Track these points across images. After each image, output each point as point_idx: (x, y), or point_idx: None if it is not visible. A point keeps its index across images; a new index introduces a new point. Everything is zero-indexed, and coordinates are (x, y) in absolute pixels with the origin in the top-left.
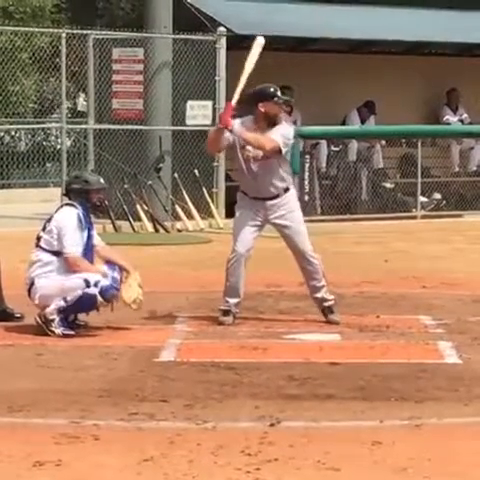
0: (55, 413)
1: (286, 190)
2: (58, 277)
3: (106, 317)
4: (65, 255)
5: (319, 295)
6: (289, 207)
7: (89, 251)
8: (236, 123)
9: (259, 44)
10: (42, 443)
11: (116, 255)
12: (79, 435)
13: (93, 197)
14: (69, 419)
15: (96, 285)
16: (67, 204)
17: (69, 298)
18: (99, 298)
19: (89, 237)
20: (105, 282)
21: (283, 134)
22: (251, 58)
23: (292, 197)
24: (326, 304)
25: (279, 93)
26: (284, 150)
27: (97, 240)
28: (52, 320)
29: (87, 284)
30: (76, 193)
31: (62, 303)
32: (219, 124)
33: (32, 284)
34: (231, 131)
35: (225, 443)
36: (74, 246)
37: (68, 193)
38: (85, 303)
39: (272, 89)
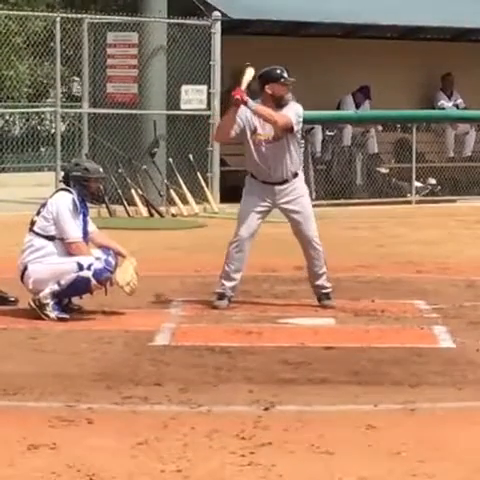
0: (49, 397)
1: (295, 175)
2: (51, 261)
3: (100, 301)
4: (68, 241)
5: (319, 282)
6: (298, 192)
7: (85, 236)
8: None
9: (250, 73)
10: (36, 426)
11: (111, 240)
12: (73, 418)
13: (92, 186)
14: (63, 402)
15: (89, 268)
16: (62, 189)
17: (63, 282)
18: (93, 281)
19: (84, 223)
20: (98, 265)
21: (295, 112)
22: (244, 80)
23: (301, 182)
24: (324, 291)
25: (285, 74)
26: (296, 128)
27: (92, 226)
28: (46, 304)
29: (80, 267)
30: (75, 180)
31: (56, 287)
32: (234, 95)
33: (25, 269)
34: (246, 103)
35: (219, 427)
36: (76, 232)
37: (67, 180)
38: (79, 286)
39: (278, 70)
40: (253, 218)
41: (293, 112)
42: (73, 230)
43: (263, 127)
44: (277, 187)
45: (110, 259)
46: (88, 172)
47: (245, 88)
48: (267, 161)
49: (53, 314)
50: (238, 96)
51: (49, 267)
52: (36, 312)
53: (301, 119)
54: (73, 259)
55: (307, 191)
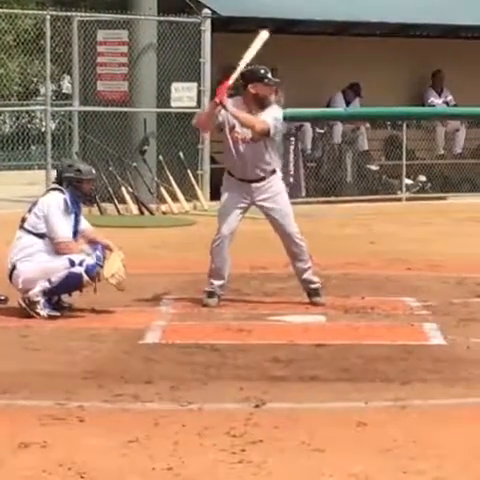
0: (40, 395)
1: (272, 172)
2: (40, 260)
3: (91, 299)
4: (57, 241)
5: (305, 276)
6: (275, 189)
7: (75, 235)
8: (229, 102)
9: (262, 38)
10: (27, 425)
11: (100, 235)
12: (64, 417)
13: (85, 187)
14: (54, 401)
15: (81, 264)
16: (54, 189)
17: (53, 279)
18: (85, 277)
19: (76, 222)
20: (90, 261)
21: (274, 116)
22: (252, 49)
23: (278, 179)
24: (312, 286)
25: (270, 75)
26: (273, 132)
27: (85, 224)
28: (37, 302)
29: (72, 264)
30: (68, 181)
31: (47, 284)
32: (217, 94)
33: (13, 268)
34: (224, 107)
35: (210, 424)
36: (65, 232)
37: (60, 181)
38: (71, 282)
39: (263, 71)
40: (233, 215)
41: (272, 116)
42: (62, 230)
43: (241, 126)
44: (254, 184)
45: (98, 253)
46: (81, 173)
47: (232, 82)
48: (245, 159)
49: (44, 312)
50: (217, 100)
51: (39, 266)
52: (26, 311)
53: (280, 123)
54: (64, 256)
55: (284, 188)
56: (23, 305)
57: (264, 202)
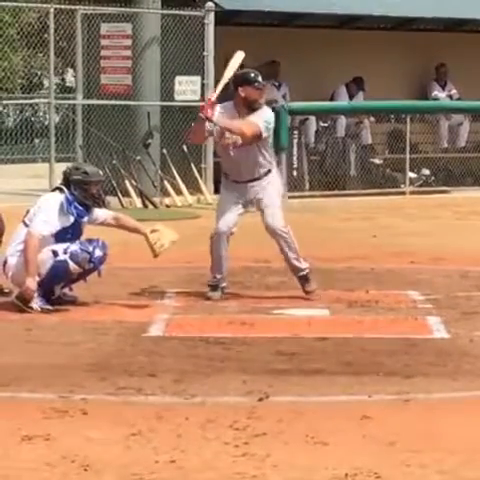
0: (44, 388)
1: (267, 173)
2: None
3: (95, 293)
4: (29, 229)
5: (293, 265)
6: (265, 184)
7: (71, 237)
8: (217, 111)
9: (239, 57)
10: (31, 418)
11: (126, 219)
12: (68, 409)
13: (92, 188)
14: (58, 393)
15: (65, 252)
16: (57, 188)
17: (42, 271)
18: (70, 263)
19: (75, 224)
20: (74, 247)
21: (265, 119)
22: (230, 69)
23: (273, 178)
24: (300, 274)
25: (260, 78)
26: (265, 135)
27: (104, 214)
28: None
29: (55, 254)
30: (76, 184)
31: (36, 278)
32: (200, 114)
33: (5, 262)
34: (211, 121)
35: (213, 418)
36: (39, 227)
37: (68, 183)
38: (58, 271)
39: (252, 74)
40: (230, 212)
41: (262, 119)
42: (39, 224)
43: (232, 134)
44: (249, 184)
45: (92, 245)
46: (88, 175)
47: (219, 92)
48: (237, 163)
49: (36, 305)
50: (202, 115)
51: (24, 260)
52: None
53: (271, 126)
54: (47, 248)
55: (278, 183)
56: (17, 302)
57: (257, 195)
